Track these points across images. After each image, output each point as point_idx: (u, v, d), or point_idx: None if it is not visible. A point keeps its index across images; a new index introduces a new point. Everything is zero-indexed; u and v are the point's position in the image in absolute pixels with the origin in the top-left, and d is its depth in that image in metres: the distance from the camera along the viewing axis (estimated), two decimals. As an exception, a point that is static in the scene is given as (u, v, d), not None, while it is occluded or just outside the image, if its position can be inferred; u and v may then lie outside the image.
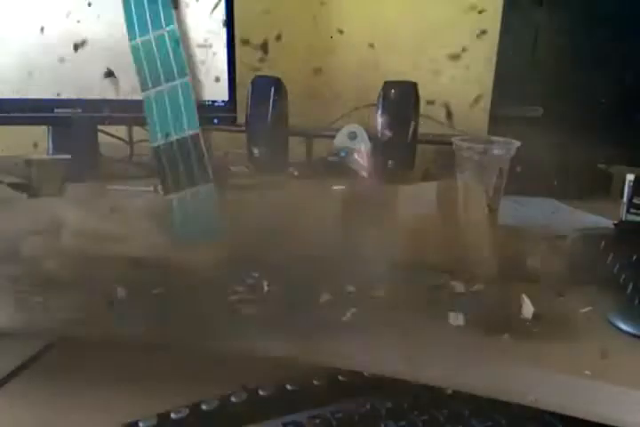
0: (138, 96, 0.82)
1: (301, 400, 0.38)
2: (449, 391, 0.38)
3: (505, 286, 0.52)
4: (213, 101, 1.07)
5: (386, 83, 0.97)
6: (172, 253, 0.57)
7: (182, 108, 0.78)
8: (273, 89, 1.02)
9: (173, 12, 0.81)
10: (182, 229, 0.67)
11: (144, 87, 0.79)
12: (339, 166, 1.04)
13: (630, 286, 0.50)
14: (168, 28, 0.80)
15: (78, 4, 0.90)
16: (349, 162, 1.01)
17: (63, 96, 0.94)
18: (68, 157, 0.82)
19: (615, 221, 0.69)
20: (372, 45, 1.20)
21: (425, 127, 1.06)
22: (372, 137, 1.02)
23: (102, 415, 0.38)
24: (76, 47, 0.89)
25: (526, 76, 0.86)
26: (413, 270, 0.53)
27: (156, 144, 0.75)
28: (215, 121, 1.08)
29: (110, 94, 0.94)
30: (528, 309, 0.44)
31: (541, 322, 0.45)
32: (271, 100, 1.03)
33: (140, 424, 0.35)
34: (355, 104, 1.18)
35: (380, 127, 0.97)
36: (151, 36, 0.79)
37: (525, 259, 0.54)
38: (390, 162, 0.97)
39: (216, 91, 1.06)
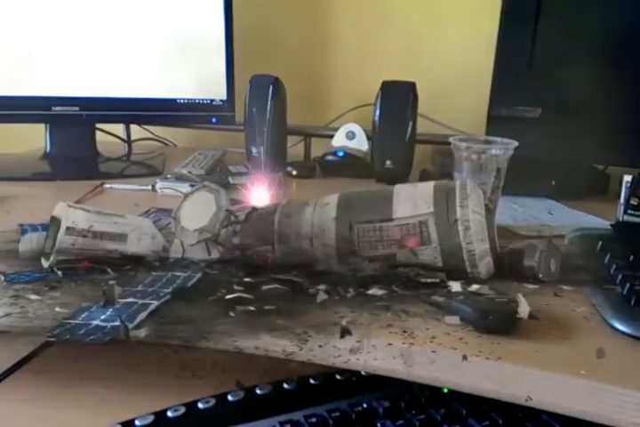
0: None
1: (298, 399, 0.38)
2: (446, 391, 0.38)
3: (502, 286, 0.52)
4: (211, 100, 1.07)
5: (384, 82, 0.97)
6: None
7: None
8: (271, 88, 1.02)
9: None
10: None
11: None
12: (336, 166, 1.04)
13: (627, 287, 0.50)
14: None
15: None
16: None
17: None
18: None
19: (612, 222, 0.70)
20: (369, 45, 1.20)
21: (423, 127, 1.06)
22: (370, 136, 1.02)
23: (99, 413, 0.38)
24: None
25: (524, 76, 0.86)
26: (411, 270, 0.53)
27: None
28: (213, 120, 1.08)
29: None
30: (524, 308, 0.44)
31: (538, 322, 0.45)
32: (269, 99, 1.02)
33: (137, 422, 0.35)
34: (353, 104, 1.18)
35: (378, 127, 0.97)
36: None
37: (522, 259, 0.54)
38: (388, 161, 0.97)
39: (214, 90, 1.06)
